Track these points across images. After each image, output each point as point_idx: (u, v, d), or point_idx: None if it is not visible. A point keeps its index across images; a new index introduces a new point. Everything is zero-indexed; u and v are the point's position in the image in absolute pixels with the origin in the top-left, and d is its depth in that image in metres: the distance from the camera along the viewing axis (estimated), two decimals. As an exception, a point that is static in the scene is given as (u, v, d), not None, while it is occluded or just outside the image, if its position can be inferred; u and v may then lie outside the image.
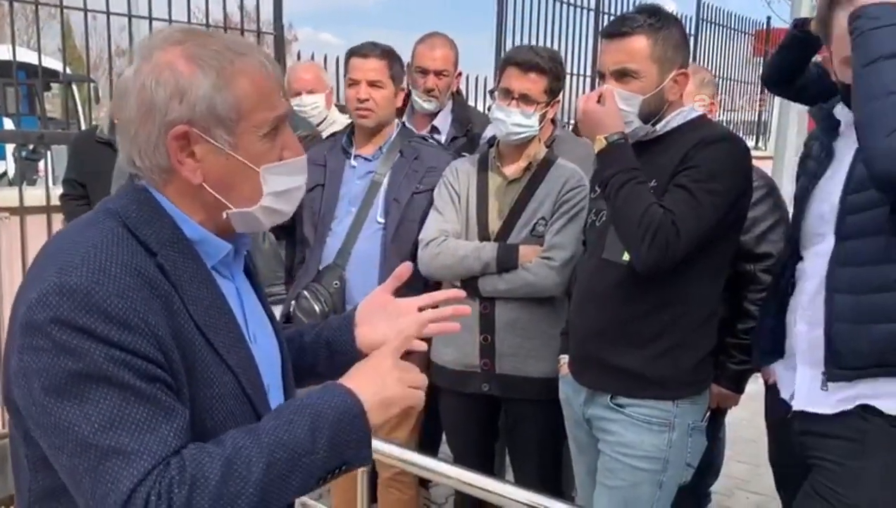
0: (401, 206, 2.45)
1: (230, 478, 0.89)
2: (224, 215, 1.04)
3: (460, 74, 3.20)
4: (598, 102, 1.81)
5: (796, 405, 1.72)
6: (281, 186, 1.05)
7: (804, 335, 1.71)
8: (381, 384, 1.03)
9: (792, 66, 2.24)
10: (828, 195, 1.67)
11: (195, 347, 0.97)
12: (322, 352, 1.29)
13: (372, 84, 2.45)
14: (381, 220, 2.46)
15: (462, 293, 1.33)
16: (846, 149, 1.67)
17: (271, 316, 1.23)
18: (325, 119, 3.35)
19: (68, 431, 0.87)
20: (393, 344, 1.09)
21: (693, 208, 1.70)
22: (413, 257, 2.37)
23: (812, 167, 1.76)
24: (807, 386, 1.70)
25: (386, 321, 1.24)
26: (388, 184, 2.48)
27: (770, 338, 1.82)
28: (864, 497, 1.60)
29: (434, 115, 3.07)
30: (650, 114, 1.84)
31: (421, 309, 1.24)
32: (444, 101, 3.06)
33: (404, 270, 1.23)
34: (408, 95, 3.11)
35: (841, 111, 1.70)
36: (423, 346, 1.22)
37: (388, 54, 2.51)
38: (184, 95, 0.96)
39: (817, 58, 2.16)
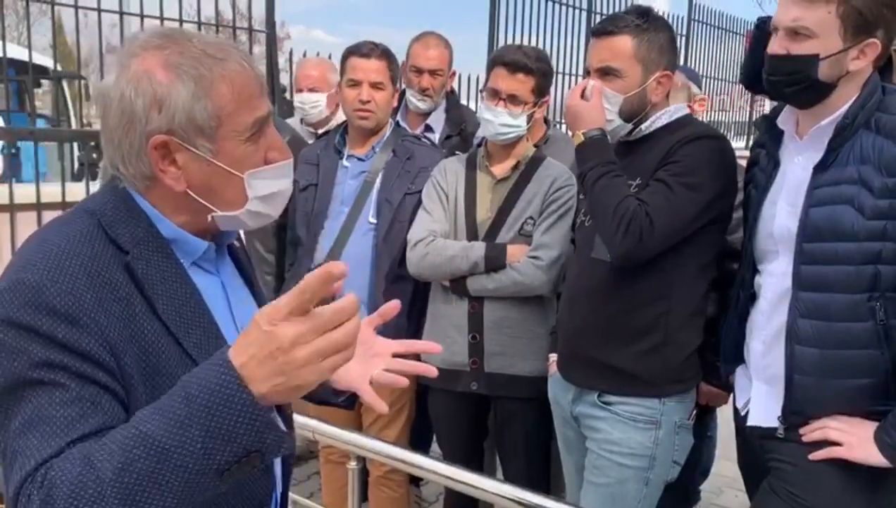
0: (392, 206, 2.46)
1: (86, 479, 0.80)
2: (209, 218, 1.04)
3: (454, 73, 3.21)
4: (582, 96, 1.84)
5: (752, 421, 1.73)
6: (266, 190, 1.04)
7: (758, 354, 1.71)
8: (278, 366, 0.80)
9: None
10: (776, 212, 1.66)
11: (160, 349, 0.96)
12: None
13: (374, 85, 2.45)
14: (374, 220, 2.47)
15: (438, 348, 1.30)
16: (789, 157, 1.66)
17: None
18: (324, 119, 3.32)
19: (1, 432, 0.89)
20: (288, 301, 0.83)
21: (668, 200, 1.72)
22: (403, 257, 2.38)
23: (761, 179, 1.74)
24: (762, 403, 1.71)
25: (360, 359, 1.20)
26: (380, 184, 2.48)
27: (733, 348, 1.82)
28: (824, 500, 1.58)
29: (428, 114, 3.08)
30: (632, 113, 1.87)
31: (395, 355, 1.22)
32: (439, 100, 3.07)
33: (391, 308, 1.19)
34: (402, 94, 3.12)
35: (783, 121, 1.68)
36: (405, 382, 1.21)
37: (388, 54, 2.51)
38: (162, 105, 0.96)
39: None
